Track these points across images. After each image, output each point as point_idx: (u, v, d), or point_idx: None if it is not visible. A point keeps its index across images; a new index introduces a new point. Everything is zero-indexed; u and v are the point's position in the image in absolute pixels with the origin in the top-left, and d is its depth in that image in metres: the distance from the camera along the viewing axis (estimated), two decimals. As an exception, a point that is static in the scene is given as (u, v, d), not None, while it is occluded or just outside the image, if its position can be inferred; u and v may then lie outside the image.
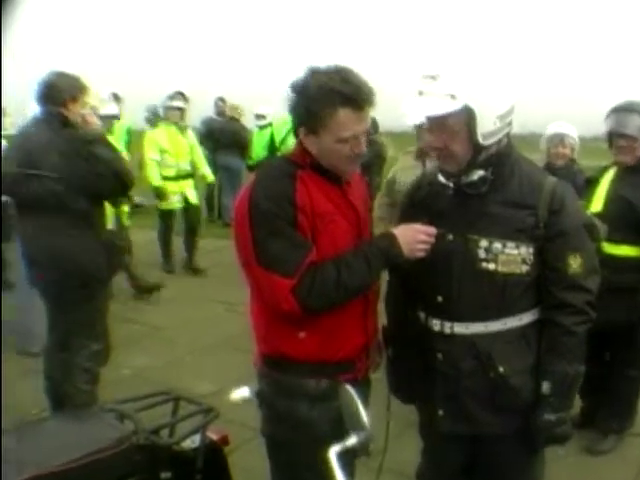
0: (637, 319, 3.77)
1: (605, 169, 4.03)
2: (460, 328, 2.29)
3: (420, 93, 2.14)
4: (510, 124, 2.22)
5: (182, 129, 7.97)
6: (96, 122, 3.99)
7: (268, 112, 10.76)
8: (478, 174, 2.23)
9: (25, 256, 4.13)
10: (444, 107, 2.09)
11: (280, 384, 2.28)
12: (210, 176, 8.70)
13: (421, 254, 2.19)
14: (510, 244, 2.20)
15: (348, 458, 1.94)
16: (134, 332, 5.97)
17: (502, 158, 2.26)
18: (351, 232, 2.22)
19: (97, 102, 6.84)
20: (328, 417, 2.21)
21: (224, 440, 2.65)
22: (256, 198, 2.12)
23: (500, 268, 2.21)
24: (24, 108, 5.67)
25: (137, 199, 7.93)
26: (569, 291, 2.24)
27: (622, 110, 3.85)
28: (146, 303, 6.99)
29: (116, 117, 7.40)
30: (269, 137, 8.61)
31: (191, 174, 8.11)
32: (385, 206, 4.49)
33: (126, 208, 6.93)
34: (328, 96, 2.06)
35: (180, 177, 7.87)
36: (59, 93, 3.79)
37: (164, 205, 7.90)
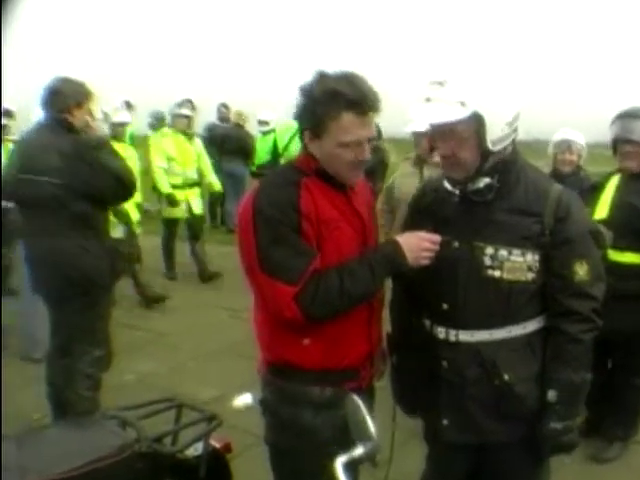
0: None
1: (609, 176, 4.01)
2: (465, 336, 2.27)
3: (428, 100, 2.12)
4: (516, 130, 2.22)
5: (190, 137, 7.92)
6: (100, 128, 3.98)
7: (271, 118, 10.78)
8: (484, 181, 2.22)
9: (27, 260, 4.13)
10: (453, 114, 2.08)
11: (284, 392, 2.26)
12: (217, 185, 8.57)
13: (425, 262, 2.17)
14: (516, 251, 2.19)
15: (352, 468, 1.92)
16: (137, 338, 5.97)
17: (508, 165, 2.25)
18: (356, 239, 2.21)
19: (110, 110, 6.87)
20: (332, 425, 2.19)
21: (227, 448, 2.63)
22: (260, 205, 2.11)
23: (506, 275, 2.20)
24: (28, 113, 5.69)
25: (145, 205, 7.93)
26: (575, 299, 2.23)
27: (628, 116, 3.84)
28: (150, 310, 6.98)
29: (128, 124, 7.34)
30: (272, 143, 8.61)
31: (197, 183, 8.04)
32: (384, 213, 4.48)
33: (137, 216, 6.94)
34: (333, 99, 2.05)
35: (187, 185, 7.80)
36: (64, 99, 3.80)
37: (168, 213, 7.85)
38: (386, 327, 2.50)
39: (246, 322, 2.56)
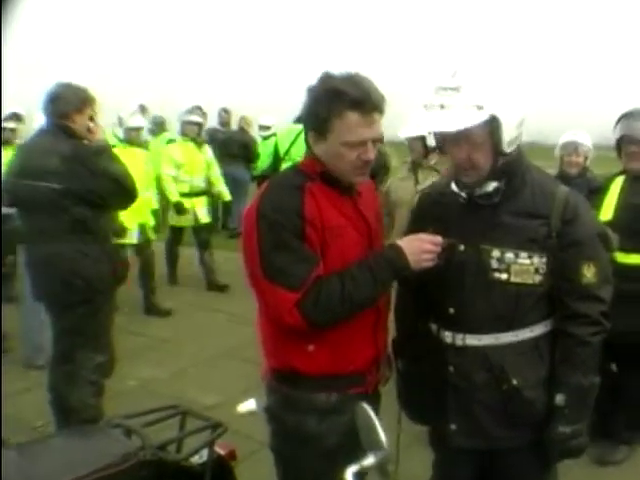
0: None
1: (613, 177, 4.00)
2: (472, 340, 2.26)
3: (442, 107, 2.10)
4: (522, 131, 2.21)
5: (199, 144, 7.79)
6: (101, 133, 3.97)
7: (272, 123, 10.79)
8: (492, 185, 2.21)
9: (27, 266, 4.12)
10: (472, 119, 2.07)
11: (289, 399, 2.24)
12: (226, 195, 8.44)
13: (428, 264, 2.14)
14: (523, 254, 2.18)
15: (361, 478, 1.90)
16: (139, 344, 5.94)
17: (514, 167, 2.23)
18: (362, 244, 2.19)
19: (125, 114, 6.83)
20: (337, 431, 2.19)
21: (232, 455, 2.61)
22: (264, 209, 2.10)
23: (513, 278, 2.18)
24: (32, 120, 5.69)
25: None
26: (583, 301, 2.22)
27: (632, 116, 3.83)
28: (151, 315, 6.95)
29: (142, 129, 7.25)
30: (273, 148, 8.58)
31: (205, 191, 7.92)
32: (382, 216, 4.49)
33: (152, 222, 6.91)
34: (337, 98, 2.04)
35: (193, 194, 7.68)
36: (64, 105, 3.79)
37: (175, 220, 7.74)
38: (392, 333, 2.48)
39: (246, 326, 2.55)
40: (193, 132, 7.78)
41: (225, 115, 11.30)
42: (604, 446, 3.98)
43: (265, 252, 2.08)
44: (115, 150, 6.42)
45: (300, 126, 7.69)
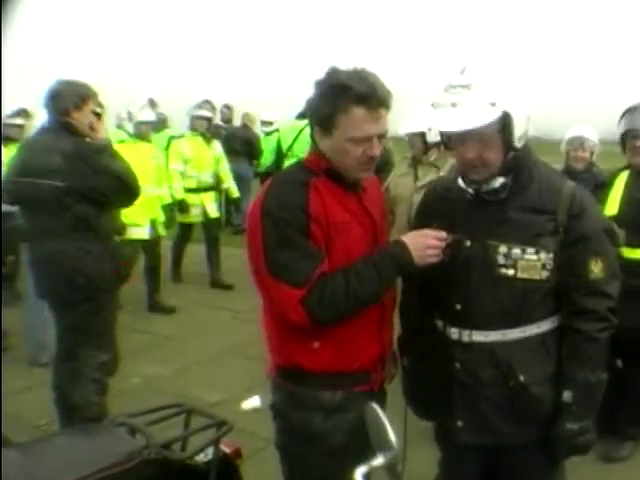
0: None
1: (618, 172, 3.98)
2: (479, 336, 2.24)
3: (454, 105, 2.07)
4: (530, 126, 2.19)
5: (208, 140, 7.71)
6: (103, 130, 3.96)
7: (274, 119, 10.78)
8: (499, 181, 2.20)
9: (30, 264, 4.11)
10: (486, 116, 2.05)
11: (294, 396, 2.23)
12: (235, 191, 8.32)
13: (432, 260, 2.13)
14: (530, 250, 2.16)
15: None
16: (143, 341, 5.95)
17: (522, 163, 2.22)
18: (367, 239, 2.18)
19: (135, 108, 6.77)
20: (342, 429, 2.18)
21: (237, 453, 2.59)
22: (268, 206, 2.08)
23: (520, 274, 2.17)
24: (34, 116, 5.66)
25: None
26: (590, 297, 2.20)
27: (636, 110, 3.81)
28: (154, 312, 6.95)
29: (152, 123, 7.11)
30: (276, 144, 8.57)
31: (213, 187, 7.84)
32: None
33: (162, 217, 6.88)
34: (343, 93, 2.02)
35: (201, 189, 7.62)
36: (62, 102, 3.78)
37: (184, 218, 7.64)
38: (398, 330, 2.47)
39: (250, 323, 2.53)
40: (202, 127, 7.68)
41: (227, 111, 11.30)
42: (610, 442, 3.97)
43: (269, 249, 2.06)
44: (125, 145, 6.49)
45: (303, 122, 7.69)
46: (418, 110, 4.36)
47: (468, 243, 2.21)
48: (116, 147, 6.26)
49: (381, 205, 2.37)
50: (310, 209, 2.05)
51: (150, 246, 6.81)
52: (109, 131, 6.83)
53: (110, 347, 4.03)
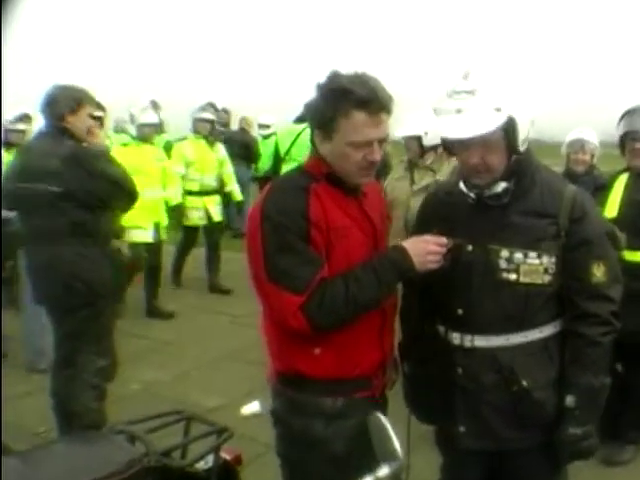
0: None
1: (617, 174, 3.97)
2: (481, 341, 2.23)
3: (459, 111, 2.06)
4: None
5: (211, 142, 7.64)
6: (101, 134, 3.95)
7: (271, 122, 10.78)
8: (502, 186, 2.19)
9: (27, 269, 4.09)
10: (492, 122, 2.05)
11: (295, 402, 2.21)
12: (238, 195, 8.17)
13: (433, 266, 2.12)
14: (532, 254, 2.15)
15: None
16: (141, 347, 5.92)
17: (524, 167, 2.21)
18: (367, 244, 2.16)
19: (137, 110, 6.73)
20: (343, 435, 2.17)
21: (237, 460, 2.58)
22: (268, 211, 2.07)
23: (522, 278, 2.16)
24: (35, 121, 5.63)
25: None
26: (593, 301, 2.19)
27: (635, 113, 3.81)
28: (152, 318, 6.91)
29: (156, 125, 7.05)
30: (274, 148, 8.56)
31: (217, 190, 7.74)
32: None
33: (165, 221, 6.84)
34: (344, 97, 2.01)
35: (203, 192, 7.52)
36: (57, 107, 3.77)
37: (187, 221, 7.57)
38: (399, 336, 2.45)
39: (249, 328, 2.51)
40: (205, 129, 7.61)
41: (225, 115, 11.27)
42: (611, 446, 3.95)
43: (269, 254, 2.05)
44: (128, 148, 6.46)
45: (300, 126, 7.68)
46: (414, 114, 4.36)
47: (470, 247, 2.20)
48: (119, 150, 6.34)
49: (381, 210, 2.36)
50: (310, 214, 2.03)
51: (153, 250, 6.77)
52: (112, 135, 6.83)
53: (109, 353, 4.01)
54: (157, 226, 6.66)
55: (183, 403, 4.29)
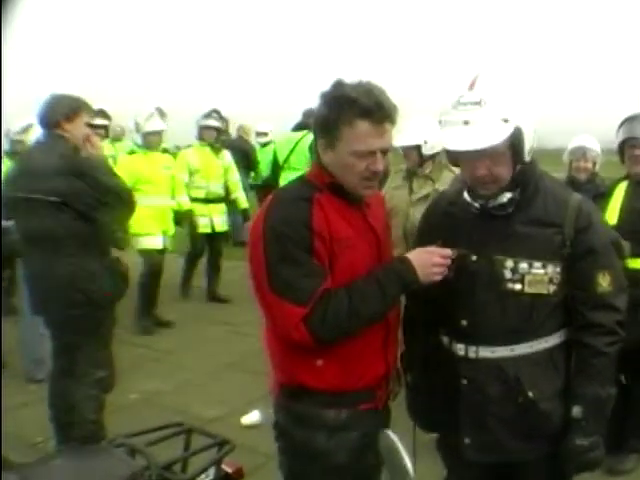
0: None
1: (617, 182, 3.96)
2: (486, 352, 2.21)
3: (466, 122, 2.04)
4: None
5: (217, 150, 7.55)
6: (99, 143, 3.93)
7: (269, 129, 10.77)
8: (507, 196, 2.17)
9: (25, 280, 4.06)
10: (501, 134, 2.03)
11: (298, 414, 2.19)
12: (244, 202, 7.97)
13: (437, 277, 2.10)
14: (537, 264, 2.13)
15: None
16: (140, 356, 5.89)
17: (528, 176, 2.19)
18: (371, 255, 2.14)
19: (142, 119, 6.70)
20: (346, 447, 2.15)
21: (239, 473, 2.54)
22: (271, 222, 2.05)
23: (527, 289, 2.14)
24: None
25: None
26: (598, 310, 2.17)
27: (635, 119, 3.80)
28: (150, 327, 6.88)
29: (161, 133, 6.83)
30: (272, 156, 8.53)
31: (223, 198, 7.64)
32: None
33: (172, 229, 6.81)
34: (347, 106, 1.99)
35: (209, 200, 7.43)
36: (53, 115, 3.75)
37: (193, 229, 7.46)
38: (402, 347, 2.43)
39: (249, 337, 2.49)
40: (211, 137, 7.51)
41: (223, 123, 11.26)
42: (614, 455, 3.93)
43: (272, 265, 2.03)
44: (135, 156, 6.43)
45: (299, 134, 7.67)
46: (413, 121, 4.34)
47: (474, 258, 2.18)
48: (126, 159, 6.30)
49: (385, 220, 2.34)
50: (314, 225, 2.01)
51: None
52: (118, 145, 6.79)
53: (107, 363, 3.98)
54: (164, 234, 6.62)
55: (182, 413, 4.28)
